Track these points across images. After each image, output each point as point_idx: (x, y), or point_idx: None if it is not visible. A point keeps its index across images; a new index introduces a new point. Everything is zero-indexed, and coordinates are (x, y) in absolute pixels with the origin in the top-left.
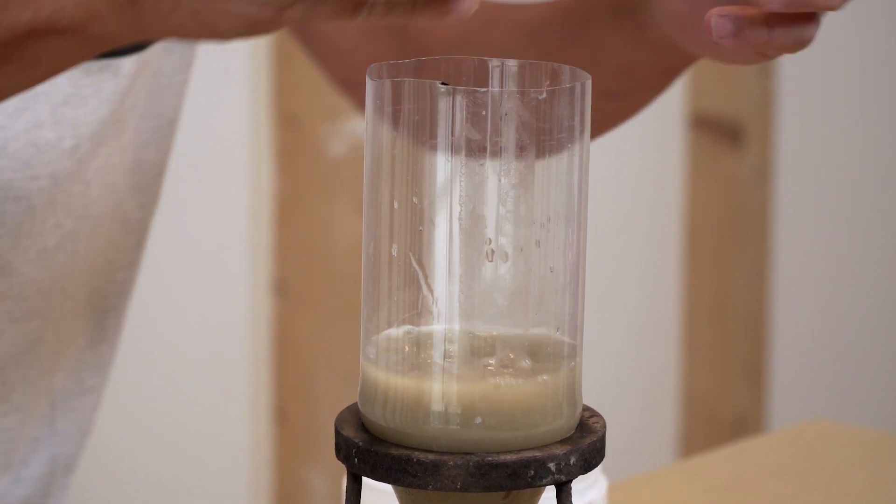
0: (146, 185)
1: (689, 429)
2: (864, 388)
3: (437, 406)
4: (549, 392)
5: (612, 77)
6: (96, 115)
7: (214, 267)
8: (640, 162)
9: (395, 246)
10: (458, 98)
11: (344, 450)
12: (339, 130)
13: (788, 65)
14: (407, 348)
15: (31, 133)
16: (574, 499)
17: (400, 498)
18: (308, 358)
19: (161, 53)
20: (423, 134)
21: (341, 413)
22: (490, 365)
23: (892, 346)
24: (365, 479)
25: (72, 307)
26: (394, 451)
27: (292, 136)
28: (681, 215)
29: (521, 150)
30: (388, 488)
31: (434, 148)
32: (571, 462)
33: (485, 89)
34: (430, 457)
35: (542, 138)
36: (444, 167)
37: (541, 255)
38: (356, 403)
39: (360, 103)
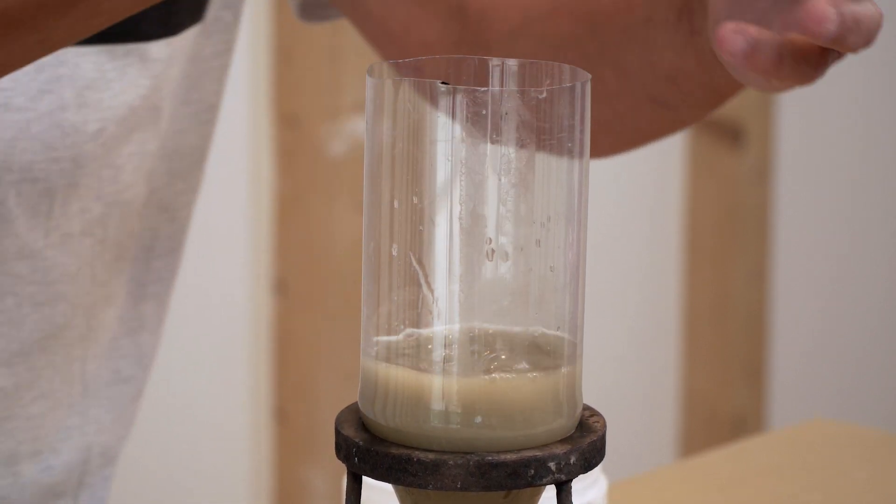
0: (186, 171)
1: (689, 428)
2: (864, 387)
3: (437, 405)
4: (549, 391)
5: (659, 83)
6: (122, 98)
7: (215, 266)
8: (640, 161)
9: (395, 245)
10: (458, 97)
11: (344, 449)
12: (339, 130)
13: None
14: (407, 347)
15: (54, 115)
16: (574, 498)
17: (400, 497)
18: (308, 357)
19: (198, 38)
20: (423, 133)
21: (341, 412)
22: (490, 364)
23: (892, 346)
24: (365, 479)
25: (104, 294)
26: (394, 451)
27: (292, 136)
28: (681, 215)
29: (521, 150)
30: (388, 488)
31: (434, 147)
32: (571, 461)
33: (485, 89)
34: (431, 456)
35: (543, 138)
36: (444, 167)
37: (541, 254)
38: (356, 403)
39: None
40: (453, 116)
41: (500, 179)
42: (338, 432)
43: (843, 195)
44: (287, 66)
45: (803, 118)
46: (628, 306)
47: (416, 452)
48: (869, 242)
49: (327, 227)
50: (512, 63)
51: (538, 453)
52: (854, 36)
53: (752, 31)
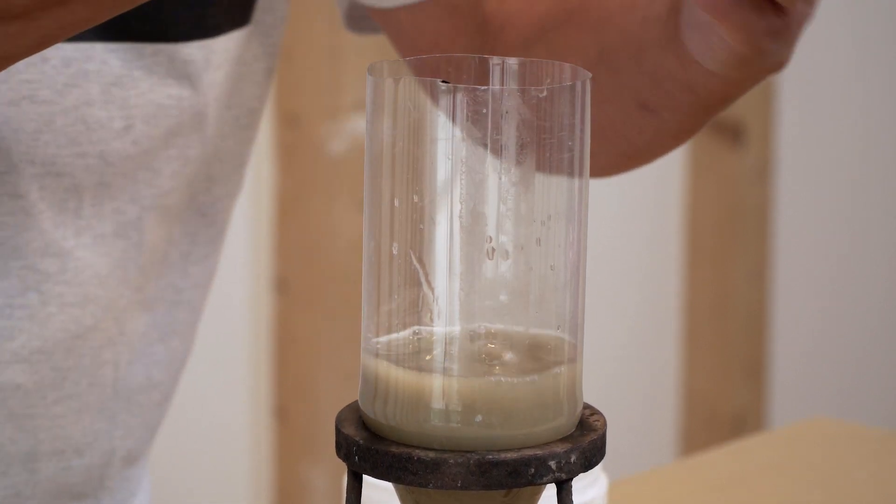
0: (226, 176)
1: (689, 427)
2: (865, 385)
3: (437, 404)
4: (549, 390)
5: (645, 84)
6: (149, 97)
7: None
8: None
9: (395, 244)
10: (459, 96)
11: (344, 448)
12: (339, 129)
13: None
14: (407, 346)
15: (80, 110)
16: (574, 497)
17: (400, 496)
18: (308, 356)
19: (241, 42)
20: (423, 132)
21: (342, 411)
22: (490, 363)
23: (893, 345)
24: (365, 478)
25: (138, 299)
26: (394, 449)
27: (293, 135)
28: (681, 214)
29: (521, 149)
30: (388, 486)
31: (434, 146)
32: (572, 460)
33: (485, 87)
34: (431, 455)
35: (543, 136)
36: (444, 165)
37: (541, 253)
38: (356, 401)
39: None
40: (454, 115)
41: (500, 178)
42: (338, 431)
43: (843, 194)
44: (287, 66)
45: (803, 117)
46: (628, 305)
47: (417, 451)
48: (869, 241)
49: (328, 226)
50: (512, 62)
51: (538, 452)
52: None
53: None
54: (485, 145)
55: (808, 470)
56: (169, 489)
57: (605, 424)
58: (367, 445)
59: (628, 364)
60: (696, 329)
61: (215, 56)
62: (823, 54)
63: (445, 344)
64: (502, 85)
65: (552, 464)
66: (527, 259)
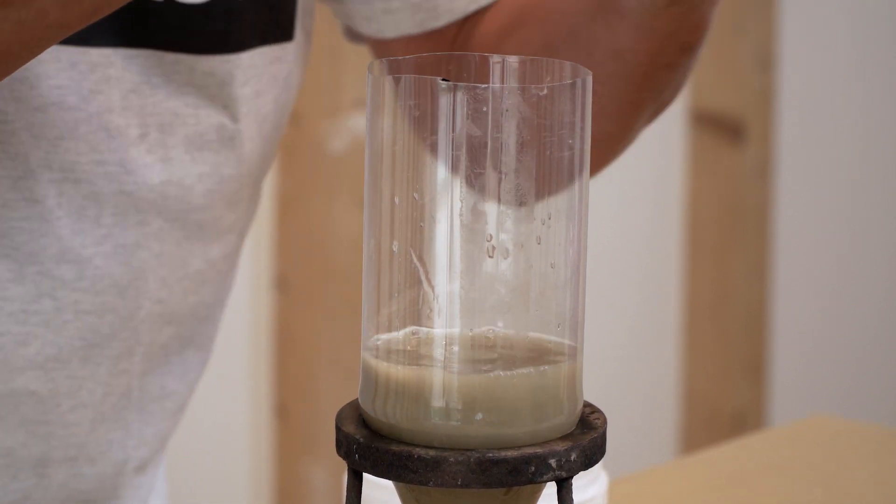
0: (253, 190)
1: (689, 425)
2: (865, 383)
3: (437, 402)
4: (549, 388)
5: (579, 59)
6: (164, 105)
7: None
8: (640, 158)
9: (395, 242)
10: (459, 94)
11: (345, 446)
12: (339, 127)
13: (789, 61)
14: (408, 345)
15: (102, 117)
16: (575, 495)
17: (401, 494)
18: (309, 354)
19: (272, 58)
20: (423, 130)
21: (342, 409)
22: (491, 361)
23: (893, 343)
24: (366, 476)
25: (160, 311)
26: (394, 448)
27: (293, 133)
28: (681, 212)
29: (521, 147)
30: (388, 484)
31: (435, 144)
32: (572, 458)
33: (485, 85)
34: (431, 453)
35: (543, 134)
36: (444, 163)
37: (541, 251)
38: (357, 400)
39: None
40: (454, 113)
41: (500, 176)
42: (338, 429)
43: (843, 192)
44: None
45: (804, 115)
46: (629, 303)
47: (417, 449)
48: (869, 239)
49: (328, 224)
50: (513, 60)
51: (539, 450)
52: None
53: None
54: (485, 143)
55: (809, 468)
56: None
57: (605, 422)
58: (368, 444)
59: (628, 362)
60: (697, 327)
61: (239, 71)
62: (823, 53)
63: (446, 342)
64: (503, 83)
65: (552, 462)
66: (527, 257)
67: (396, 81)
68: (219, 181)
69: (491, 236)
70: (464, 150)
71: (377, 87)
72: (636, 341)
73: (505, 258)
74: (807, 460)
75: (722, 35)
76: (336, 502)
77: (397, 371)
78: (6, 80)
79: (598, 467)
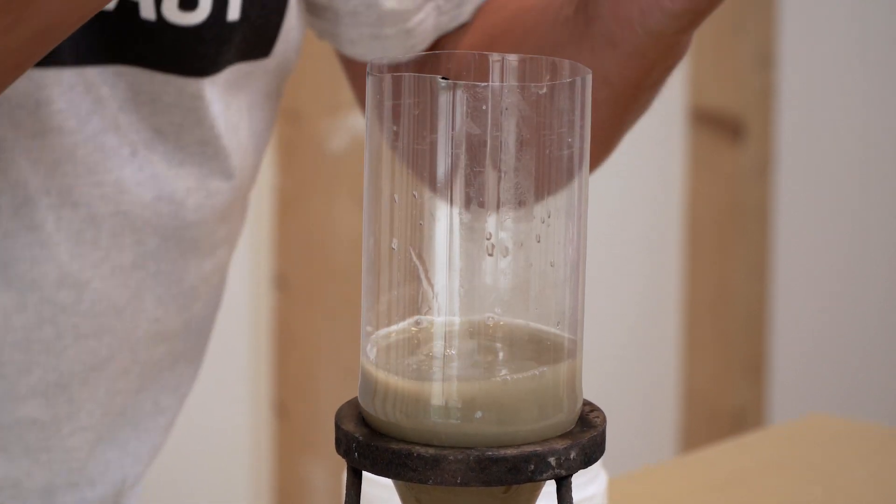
0: (243, 201)
1: (689, 423)
2: (865, 382)
3: (437, 400)
4: (549, 387)
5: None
6: (151, 121)
7: None
8: (640, 157)
9: (395, 240)
10: (459, 93)
11: (344, 444)
12: (339, 125)
13: (789, 60)
14: (407, 343)
15: (99, 137)
16: (574, 493)
17: (400, 492)
18: (308, 353)
19: (254, 74)
20: (423, 129)
21: (341, 408)
22: (490, 359)
23: (892, 342)
24: (365, 474)
25: (156, 329)
26: (394, 446)
27: (293, 131)
28: (681, 211)
29: (521, 145)
30: (388, 483)
31: (434, 142)
32: (572, 457)
33: (485, 84)
34: (431, 451)
35: (543, 133)
36: (444, 162)
37: (541, 250)
38: (356, 398)
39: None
40: (454, 111)
41: (500, 174)
42: (338, 427)
43: (843, 191)
44: None
45: (803, 114)
46: (628, 302)
47: (417, 447)
48: (869, 238)
49: (328, 223)
50: (512, 58)
51: (538, 448)
52: None
53: None
54: (484, 142)
55: (808, 467)
56: (170, 484)
57: (604, 421)
58: (367, 442)
59: (628, 361)
60: (696, 326)
61: (216, 88)
62: (823, 52)
63: (445, 340)
64: (502, 81)
65: (552, 460)
66: (526, 256)
67: (396, 80)
68: (207, 195)
69: (490, 235)
70: (463, 148)
71: (377, 86)
72: (636, 340)
73: (504, 256)
74: (806, 459)
75: (722, 34)
76: (336, 501)
77: (397, 369)
78: (5, 107)
79: (597, 466)
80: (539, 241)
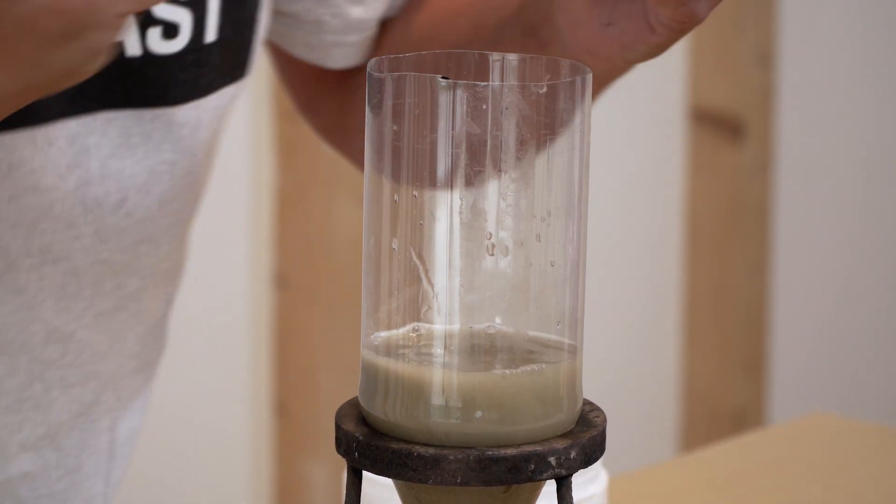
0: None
1: (689, 422)
2: (865, 382)
3: (437, 400)
4: (549, 386)
5: None
6: (143, 164)
7: (215, 260)
8: (640, 156)
9: (395, 240)
10: (459, 92)
11: (344, 444)
12: None
13: (789, 59)
14: (407, 342)
15: (80, 191)
16: (574, 493)
17: (400, 492)
18: (309, 351)
19: (231, 96)
20: (423, 128)
21: (341, 407)
22: (490, 359)
23: (893, 341)
24: (365, 474)
25: (136, 364)
26: (394, 445)
27: (293, 130)
28: (681, 210)
29: (521, 144)
30: (388, 482)
31: (434, 142)
32: (572, 456)
33: (485, 83)
34: (431, 451)
35: (543, 132)
36: (444, 161)
37: (541, 249)
38: (356, 397)
39: (318, 129)
40: (454, 111)
41: (500, 174)
42: (338, 427)
43: (843, 190)
44: None
45: (803, 113)
46: (629, 301)
47: (417, 447)
48: (869, 237)
49: (328, 222)
50: (512, 58)
51: (538, 448)
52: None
53: None
54: (485, 141)
55: (808, 466)
56: (170, 483)
57: (604, 420)
58: (367, 441)
59: (628, 360)
60: (696, 325)
61: (206, 114)
62: (823, 51)
63: (445, 340)
64: (502, 81)
65: (552, 460)
66: (527, 255)
67: (397, 80)
68: (180, 223)
69: (490, 234)
70: (463, 147)
71: (377, 85)
72: (636, 339)
73: (505, 256)
74: (806, 459)
75: (722, 32)
76: (336, 500)
77: (397, 369)
78: None
79: (597, 465)
80: (539, 241)
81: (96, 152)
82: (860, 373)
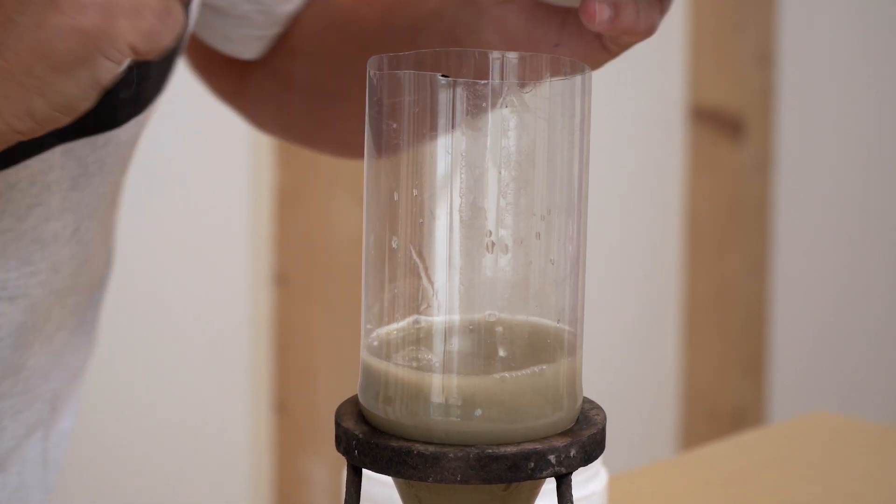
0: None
1: (689, 421)
2: (865, 380)
3: (437, 398)
4: (549, 384)
5: None
6: (99, 191)
7: (215, 259)
8: (640, 154)
9: (395, 238)
10: (459, 90)
11: (344, 442)
12: None
13: (789, 57)
14: (407, 340)
15: (38, 229)
16: (574, 491)
17: (400, 490)
18: (308, 350)
19: (153, 112)
20: (423, 126)
21: (341, 405)
22: (490, 357)
23: (893, 340)
24: (365, 471)
25: (70, 375)
26: (394, 444)
27: None
28: (681, 208)
29: (520, 143)
30: (388, 480)
31: (434, 140)
32: (572, 454)
33: (485, 81)
34: (431, 449)
35: (543, 130)
36: (444, 159)
37: (541, 247)
38: (356, 395)
39: (249, 117)
40: (454, 109)
41: (500, 172)
42: (338, 425)
43: (843, 189)
44: None
45: (803, 112)
46: (629, 299)
47: (416, 445)
48: (869, 236)
49: (328, 220)
50: (512, 56)
51: (538, 446)
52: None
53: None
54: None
55: (808, 465)
56: (170, 481)
57: (604, 418)
58: (367, 440)
59: (628, 358)
60: (696, 323)
61: (141, 128)
62: (823, 50)
63: (445, 338)
64: (502, 79)
65: (552, 458)
66: (526, 253)
67: (396, 77)
68: (111, 238)
69: (490, 232)
70: (463, 145)
71: (377, 83)
72: (636, 337)
73: (504, 254)
74: (806, 457)
75: (722, 31)
76: (336, 498)
77: (397, 367)
78: None
79: (597, 463)
80: (539, 238)
81: (58, 187)
82: (860, 372)
